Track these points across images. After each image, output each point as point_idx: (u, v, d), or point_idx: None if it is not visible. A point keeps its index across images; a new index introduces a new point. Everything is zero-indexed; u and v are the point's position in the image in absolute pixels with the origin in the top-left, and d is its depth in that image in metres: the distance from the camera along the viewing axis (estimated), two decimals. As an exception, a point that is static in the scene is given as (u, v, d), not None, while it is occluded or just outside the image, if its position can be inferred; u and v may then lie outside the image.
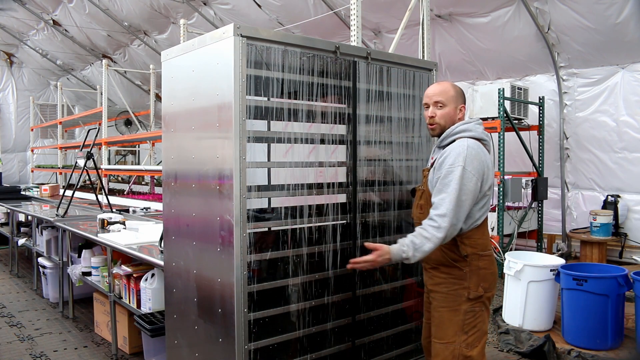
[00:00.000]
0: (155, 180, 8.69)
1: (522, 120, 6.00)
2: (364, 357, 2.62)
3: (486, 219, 2.21)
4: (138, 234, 3.91)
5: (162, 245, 2.83)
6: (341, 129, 2.58)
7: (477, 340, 2.17)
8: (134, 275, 3.42)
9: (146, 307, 3.28)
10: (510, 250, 5.60)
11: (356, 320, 2.57)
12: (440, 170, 2.11)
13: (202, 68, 2.30)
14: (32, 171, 12.04)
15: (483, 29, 6.23)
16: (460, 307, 2.16)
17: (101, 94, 9.41)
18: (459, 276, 2.17)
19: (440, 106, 2.22)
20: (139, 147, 11.32)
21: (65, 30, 10.98)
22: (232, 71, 2.08)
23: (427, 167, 2.31)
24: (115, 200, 6.55)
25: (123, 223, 4.25)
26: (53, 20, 10.75)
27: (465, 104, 2.27)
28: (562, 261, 4.00)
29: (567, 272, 3.62)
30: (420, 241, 2.03)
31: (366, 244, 2.15)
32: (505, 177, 5.60)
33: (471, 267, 2.16)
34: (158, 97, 9.35)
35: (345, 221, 2.55)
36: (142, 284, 3.31)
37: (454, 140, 2.17)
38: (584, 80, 6.04)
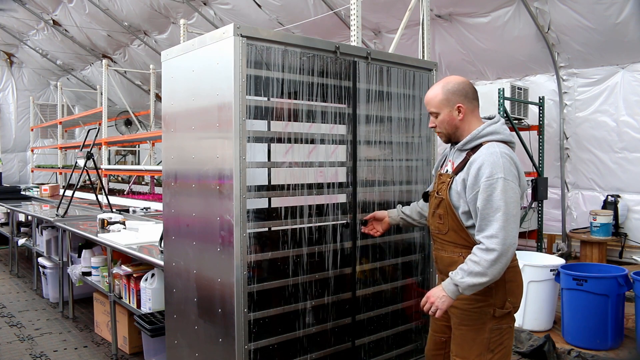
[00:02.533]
0: (155, 180, 8.69)
1: (522, 120, 5.99)
2: (364, 357, 2.62)
3: None
4: (138, 234, 3.91)
5: (162, 245, 2.83)
6: (341, 129, 2.58)
7: (504, 357, 2.01)
8: (134, 275, 3.42)
9: (146, 307, 3.28)
10: (510, 250, 5.59)
11: (356, 320, 2.57)
12: (476, 184, 1.91)
13: (202, 68, 2.30)
14: (32, 171, 12.03)
15: (483, 29, 6.23)
16: (485, 325, 1.98)
17: (101, 94, 9.40)
18: (484, 292, 1.95)
19: (435, 115, 2.07)
20: (139, 147, 11.32)
21: (65, 30, 10.98)
22: (232, 71, 2.08)
23: (446, 173, 2.09)
24: (115, 200, 6.54)
25: (123, 223, 4.25)
26: (53, 20, 10.74)
27: (464, 101, 2.04)
28: (562, 261, 4.00)
29: (567, 272, 3.62)
30: (468, 266, 1.87)
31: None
32: (505, 177, 5.58)
33: (497, 281, 1.92)
34: (158, 97, 9.35)
35: (345, 221, 2.55)
36: (142, 284, 3.31)
37: (480, 144, 1.98)
38: (584, 80, 6.04)
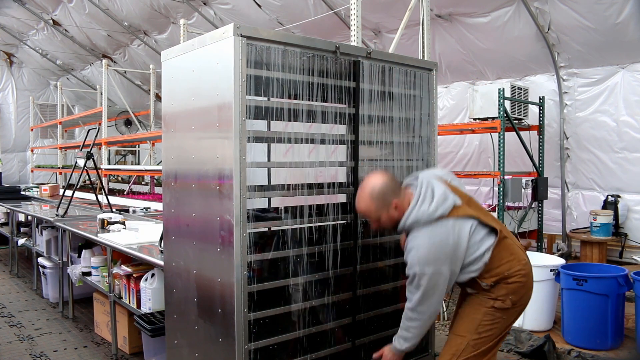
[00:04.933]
0: (155, 180, 8.69)
1: (522, 120, 5.99)
2: (364, 357, 2.62)
3: (500, 245, 2.17)
4: (138, 234, 3.91)
5: (162, 245, 2.83)
6: (341, 129, 2.58)
7: (485, 343, 2.17)
8: (134, 275, 3.42)
9: (146, 307, 3.28)
10: (510, 250, 5.58)
11: (356, 320, 2.57)
12: (410, 269, 2.11)
13: (202, 68, 2.30)
14: (32, 171, 12.03)
15: (483, 29, 6.22)
16: (482, 307, 2.19)
17: (101, 94, 9.39)
18: (488, 289, 2.21)
19: (376, 220, 2.21)
20: (139, 147, 11.31)
21: (65, 30, 10.97)
22: (232, 71, 2.08)
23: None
24: (115, 200, 6.54)
25: (123, 223, 4.25)
26: (53, 20, 10.74)
27: (394, 196, 2.16)
28: (562, 261, 4.00)
29: (567, 272, 3.62)
30: (401, 333, 2.21)
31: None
32: (505, 177, 5.60)
33: (499, 285, 2.17)
34: (158, 97, 9.35)
35: (345, 221, 2.55)
36: (142, 284, 3.31)
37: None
38: (584, 80, 6.03)
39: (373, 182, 2.18)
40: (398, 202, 2.17)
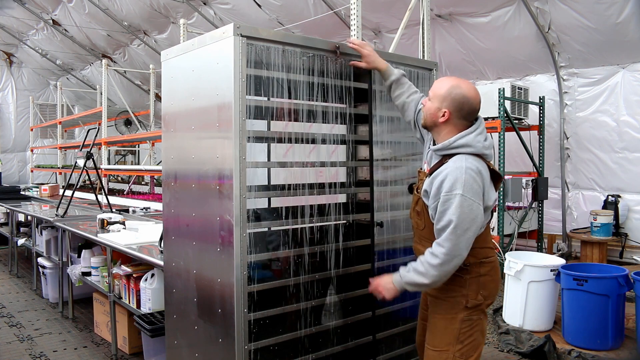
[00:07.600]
0: (155, 180, 8.69)
1: (523, 120, 5.99)
2: (365, 356, 2.61)
3: (487, 228, 2.10)
4: (138, 234, 3.90)
5: (162, 245, 2.83)
6: (341, 129, 2.57)
7: (473, 349, 2.07)
8: (134, 275, 3.42)
9: (146, 307, 3.28)
10: (511, 250, 5.60)
11: (358, 320, 2.56)
12: (437, 195, 1.96)
13: (201, 68, 2.30)
14: (32, 171, 12.04)
15: (483, 29, 6.23)
16: (457, 315, 2.06)
17: (101, 93, 9.40)
18: (459, 283, 2.05)
19: (429, 99, 2.08)
20: (138, 147, 11.32)
21: (65, 30, 10.98)
22: (232, 71, 2.07)
23: (423, 170, 2.15)
24: (115, 200, 6.54)
25: (123, 223, 4.25)
26: (53, 20, 10.74)
27: (453, 111, 2.01)
28: (562, 261, 4.00)
29: (568, 272, 3.61)
30: (415, 264, 1.99)
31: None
32: (506, 177, 5.60)
33: (471, 274, 2.04)
34: (158, 97, 9.35)
35: (346, 222, 2.54)
36: (142, 284, 3.31)
37: (452, 154, 2.01)
38: (584, 80, 6.04)
39: (466, 87, 2.02)
40: (449, 116, 2.02)
